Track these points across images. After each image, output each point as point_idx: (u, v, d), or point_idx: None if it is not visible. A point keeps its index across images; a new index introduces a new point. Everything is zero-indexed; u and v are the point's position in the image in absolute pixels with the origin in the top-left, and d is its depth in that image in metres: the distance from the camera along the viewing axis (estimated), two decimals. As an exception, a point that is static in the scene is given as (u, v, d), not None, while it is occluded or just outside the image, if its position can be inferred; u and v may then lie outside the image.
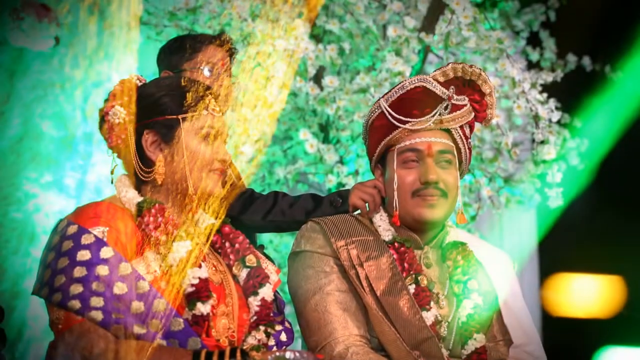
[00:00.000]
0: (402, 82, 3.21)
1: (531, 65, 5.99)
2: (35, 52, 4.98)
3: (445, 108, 3.15)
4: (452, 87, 3.17)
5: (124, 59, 5.23)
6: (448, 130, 3.19)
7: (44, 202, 4.89)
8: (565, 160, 5.77)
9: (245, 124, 4.58)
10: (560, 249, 6.60)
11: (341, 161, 4.88)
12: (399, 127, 3.16)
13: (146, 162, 2.81)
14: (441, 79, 3.21)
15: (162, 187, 2.80)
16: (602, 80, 6.01)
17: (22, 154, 4.97)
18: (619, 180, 6.33)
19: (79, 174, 5.00)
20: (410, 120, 3.15)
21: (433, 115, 3.15)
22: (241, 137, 4.61)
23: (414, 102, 3.16)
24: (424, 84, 3.17)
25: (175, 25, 4.78)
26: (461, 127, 3.21)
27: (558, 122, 5.70)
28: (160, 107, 2.81)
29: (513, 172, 5.29)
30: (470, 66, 3.21)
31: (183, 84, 2.89)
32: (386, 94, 3.23)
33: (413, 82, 3.18)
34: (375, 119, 3.23)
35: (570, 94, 6.02)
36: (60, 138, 4.98)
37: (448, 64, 3.21)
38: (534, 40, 6.02)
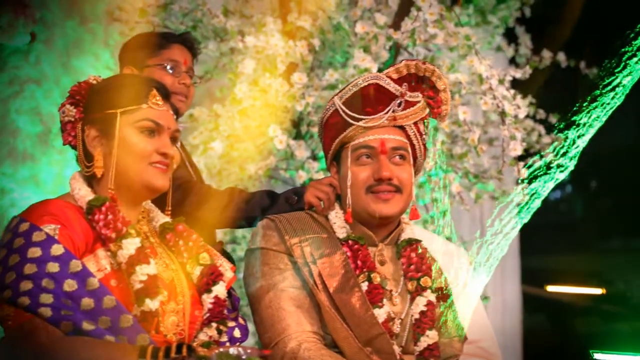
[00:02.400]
0: (356, 79, 3.23)
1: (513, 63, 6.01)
2: (11, 48, 4.99)
3: (399, 105, 3.17)
4: (405, 84, 3.19)
5: (100, 55, 5.26)
6: (402, 127, 3.21)
7: (20, 198, 4.90)
8: (541, 156, 5.80)
9: (216, 120, 4.62)
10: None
11: (313, 157, 4.89)
12: (353, 124, 3.18)
13: (89, 157, 2.84)
14: (395, 76, 3.23)
15: (106, 181, 2.81)
16: (577, 77, 6.04)
17: (-2, 150, 4.99)
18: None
19: (55, 169, 5.01)
20: (363, 117, 3.17)
21: (386, 112, 3.17)
22: (212, 133, 4.65)
23: (367, 100, 3.18)
24: (377, 81, 3.20)
25: (147, 22, 4.79)
26: (415, 123, 3.22)
27: (533, 118, 5.75)
28: (100, 103, 2.84)
29: (488, 167, 5.30)
30: (424, 63, 3.23)
31: (125, 79, 2.93)
32: (340, 91, 3.25)
33: (366, 79, 3.21)
34: (329, 116, 3.26)
35: (546, 90, 6.06)
36: (36, 133, 4.99)
37: (402, 61, 3.23)
38: (509, 36, 6.04)
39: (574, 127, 5.17)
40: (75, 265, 2.60)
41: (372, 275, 3.12)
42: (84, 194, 2.82)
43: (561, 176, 5.10)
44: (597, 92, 5.16)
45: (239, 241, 5.21)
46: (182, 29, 4.83)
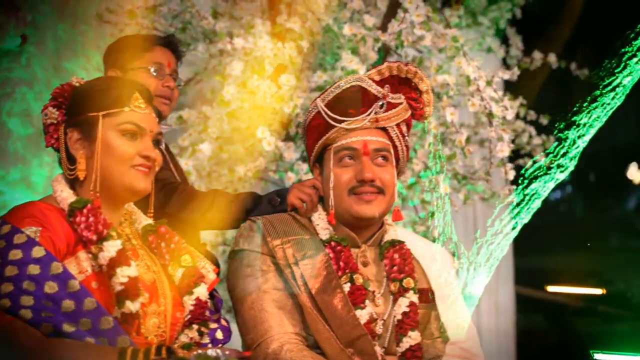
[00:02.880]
0: (338, 81, 3.24)
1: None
2: (3, 50, 5.00)
3: (381, 107, 3.18)
4: (388, 85, 3.20)
5: (91, 57, 5.27)
6: (384, 129, 3.22)
7: (10, 199, 4.91)
8: (532, 157, 5.82)
9: (205, 122, 4.62)
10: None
11: (302, 158, 4.90)
12: (335, 126, 3.19)
13: (71, 160, 2.85)
14: (377, 78, 3.24)
15: (89, 184, 2.82)
16: (568, 78, 6.05)
17: (-12, 152, 5.00)
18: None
19: (46, 171, 5.02)
20: (346, 119, 3.18)
21: (368, 114, 3.18)
22: (200, 135, 4.66)
23: (349, 101, 3.19)
24: (360, 83, 3.21)
25: (136, 24, 4.79)
26: (398, 125, 3.23)
27: (524, 119, 5.76)
28: (82, 106, 2.85)
29: (478, 168, 5.31)
30: (406, 64, 3.24)
31: (108, 82, 2.94)
32: (322, 93, 3.26)
33: (349, 81, 3.22)
34: (312, 118, 3.27)
35: (537, 91, 6.07)
36: (27, 135, 5.00)
37: (384, 63, 3.25)
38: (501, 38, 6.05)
39: (574, 127, 5.19)
40: (56, 267, 2.61)
41: (354, 277, 3.13)
42: (66, 196, 2.83)
43: (561, 176, 5.12)
44: (597, 92, 5.17)
45: (229, 243, 5.21)
46: (171, 30, 4.84)
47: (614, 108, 5.51)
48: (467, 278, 5.70)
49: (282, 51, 4.68)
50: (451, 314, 3.28)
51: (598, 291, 7.93)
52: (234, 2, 5.06)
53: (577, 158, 5.39)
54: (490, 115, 4.35)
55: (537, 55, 5.97)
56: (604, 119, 5.51)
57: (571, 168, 5.26)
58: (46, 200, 2.86)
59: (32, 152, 5.02)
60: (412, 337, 3.15)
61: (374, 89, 3.20)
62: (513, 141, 5.75)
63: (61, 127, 2.88)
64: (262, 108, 4.80)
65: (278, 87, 4.66)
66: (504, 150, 4.38)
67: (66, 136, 2.87)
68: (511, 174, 4.51)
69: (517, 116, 5.78)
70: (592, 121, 5.29)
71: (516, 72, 5.15)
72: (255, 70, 4.63)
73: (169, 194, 3.44)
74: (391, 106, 3.20)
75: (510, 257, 7.11)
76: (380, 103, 3.18)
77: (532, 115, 5.89)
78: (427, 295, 3.28)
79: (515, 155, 5.90)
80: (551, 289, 8.05)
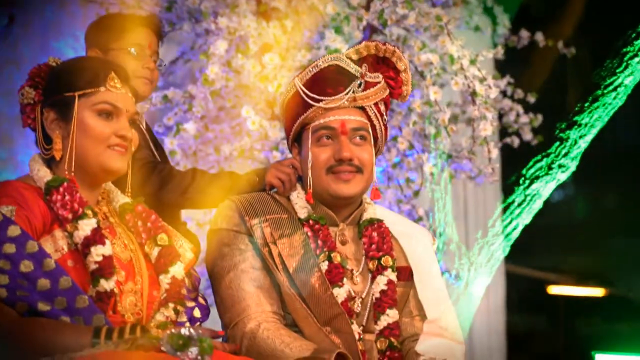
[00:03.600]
0: (316, 61, 3.24)
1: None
2: (-11, 30, 5.00)
3: (359, 86, 3.18)
4: (365, 64, 3.20)
5: (79, 37, 5.25)
6: (362, 108, 3.22)
7: (-3, 179, 4.92)
8: (519, 135, 5.83)
9: (190, 101, 4.63)
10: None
11: (286, 137, 4.90)
12: (313, 105, 3.19)
13: (48, 140, 2.85)
14: (355, 57, 3.24)
15: (65, 163, 2.83)
16: (555, 56, 6.05)
17: (-25, 132, 5.00)
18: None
19: (33, 151, 5.02)
20: (324, 98, 3.18)
21: (346, 93, 3.18)
22: (185, 115, 4.66)
23: (327, 81, 3.19)
24: (337, 62, 3.21)
25: (121, 3, 4.79)
26: (376, 104, 3.23)
27: (511, 97, 5.76)
28: (58, 86, 2.86)
29: (465, 147, 5.31)
30: (384, 43, 3.24)
31: (84, 62, 2.95)
32: (300, 72, 3.26)
33: (326, 60, 3.22)
34: (290, 97, 3.27)
35: (524, 69, 6.07)
36: (14, 116, 4.99)
37: (361, 42, 3.25)
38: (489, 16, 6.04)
39: (576, 127, 5.20)
40: (32, 246, 2.61)
41: (332, 255, 3.13)
42: (43, 174, 2.84)
43: (563, 177, 5.14)
44: (599, 92, 5.18)
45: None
46: (156, 10, 4.83)
47: (616, 108, 5.53)
48: (468, 278, 5.74)
49: (267, 30, 4.67)
50: (429, 292, 3.29)
51: (597, 292, 7.94)
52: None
53: (578, 158, 5.42)
54: (473, 94, 4.35)
55: (524, 33, 5.96)
56: (606, 119, 5.54)
57: (572, 168, 5.29)
58: (23, 179, 2.87)
59: (18, 132, 5.01)
60: (390, 315, 3.16)
61: (351, 68, 3.20)
62: (500, 119, 5.76)
63: (38, 107, 2.89)
64: (246, 87, 4.80)
65: (262, 66, 4.66)
66: (486, 129, 4.38)
67: (42, 116, 2.88)
68: (494, 153, 4.52)
69: (505, 94, 5.77)
70: (593, 121, 5.31)
71: (500, 50, 5.15)
72: (240, 49, 4.63)
73: (148, 173, 3.44)
74: (369, 85, 3.20)
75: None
76: (359, 82, 3.18)
77: (519, 93, 5.88)
78: (405, 274, 3.28)
79: (503, 134, 5.91)
80: (554, 289, 8.04)
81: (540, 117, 5.80)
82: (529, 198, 5.25)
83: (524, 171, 5.02)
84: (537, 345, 8.38)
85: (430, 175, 4.84)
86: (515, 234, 6.56)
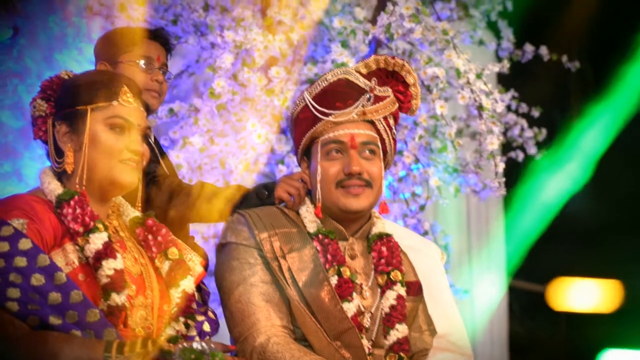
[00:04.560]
0: (325, 74, 3.25)
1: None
2: (-6, 41, 4.99)
3: (368, 99, 3.19)
4: (375, 78, 3.21)
5: (84, 49, 5.26)
6: (372, 122, 3.22)
7: (2, 192, 4.90)
8: (523, 149, 5.84)
9: (196, 114, 4.63)
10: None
11: (293, 151, 4.90)
12: (322, 119, 3.19)
13: (60, 153, 2.85)
14: (364, 71, 3.25)
15: (76, 177, 2.83)
16: (560, 71, 6.06)
17: (-20, 145, 4.99)
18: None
19: (38, 164, 5.02)
20: (333, 112, 3.18)
21: (356, 107, 3.18)
22: (191, 128, 4.66)
23: (336, 94, 3.20)
24: (347, 76, 3.22)
25: (127, 16, 4.79)
26: (385, 118, 3.24)
27: (515, 111, 5.76)
28: (71, 99, 2.86)
29: (470, 161, 5.31)
30: (393, 57, 3.25)
31: (97, 75, 2.95)
32: (310, 86, 3.27)
33: (336, 74, 3.23)
34: (299, 111, 3.27)
35: (529, 84, 6.07)
36: (19, 129, 4.99)
37: (371, 56, 3.25)
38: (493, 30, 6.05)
39: (584, 131, 5.24)
40: (43, 259, 2.62)
41: (341, 269, 3.13)
42: (54, 188, 2.84)
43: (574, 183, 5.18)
44: (609, 96, 5.21)
45: (221, 235, 5.22)
46: (162, 23, 4.84)
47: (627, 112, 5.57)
48: (471, 289, 5.73)
49: (273, 44, 4.67)
50: (439, 307, 3.29)
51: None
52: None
53: (591, 163, 5.45)
54: (480, 108, 4.36)
55: (529, 47, 5.97)
56: (617, 123, 5.57)
57: (585, 173, 5.32)
58: (33, 193, 2.87)
59: (23, 144, 5.01)
60: (400, 330, 3.16)
61: (361, 81, 3.21)
62: (505, 134, 5.76)
63: (49, 119, 2.89)
64: (252, 101, 4.81)
65: (268, 79, 4.66)
66: (493, 143, 4.38)
67: (54, 129, 2.87)
68: (501, 167, 4.53)
69: (509, 109, 5.78)
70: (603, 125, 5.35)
71: (506, 64, 5.16)
72: (246, 63, 4.63)
73: (157, 187, 3.45)
74: (378, 99, 3.21)
75: (502, 259, 7.09)
76: (368, 96, 3.19)
77: (523, 108, 5.89)
78: (415, 288, 3.28)
79: (507, 148, 5.91)
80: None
81: (544, 131, 5.80)
82: (532, 211, 5.27)
83: (526, 184, 5.03)
84: (539, 356, 8.34)
85: (437, 189, 4.84)
86: (518, 246, 6.58)
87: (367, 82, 3.20)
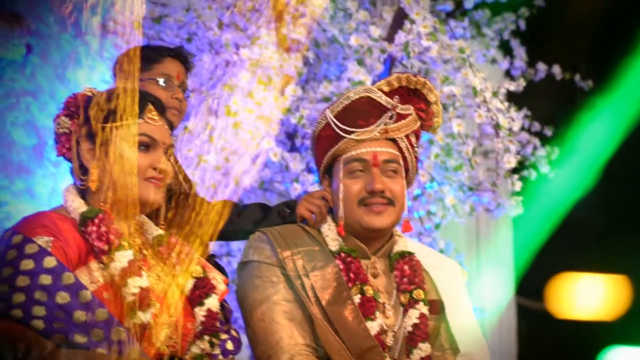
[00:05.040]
0: (347, 92, 3.25)
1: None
2: (7, 60, 4.99)
3: (391, 117, 3.19)
4: (397, 96, 3.21)
5: (96, 68, 5.26)
6: (394, 140, 3.22)
7: (15, 210, 4.90)
8: (536, 168, 5.84)
9: (210, 132, 4.63)
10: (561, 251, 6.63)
11: (307, 169, 4.91)
12: (345, 137, 3.20)
13: (84, 170, 2.84)
14: (386, 89, 3.25)
15: (100, 194, 2.82)
16: (572, 89, 6.06)
17: (-7, 162, 4.99)
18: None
19: (50, 181, 5.01)
20: (355, 130, 3.19)
21: (378, 125, 3.18)
22: (206, 146, 4.66)
23: (359, 112, 3.20)
24: (369, 94, 3.22)
25: (142, 35, 4.80)
26: (407, 136, 3.24)
27: (528, 130, 5.77)
28: (95, 116, 2.85)
29: (483, 180, 5.32)
30: (415, 75, 3.26)
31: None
32: (332, 104, 3.27)
33: (358, 92, 3.23)
34: (321, 129, 3.27)
35: (541, 102, 6.07)
36: (31, 146, 4.99)
37: (393, 74, 3.26)
38: (504, 49, 6.06)
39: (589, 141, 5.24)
40: (68, 277, 2.61)
41: (364, 288, 3.13)
42: (77, 206, 2.83)
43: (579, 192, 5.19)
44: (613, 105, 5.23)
45: (234, 254, 5.22)
46: (176, 41, 4.85)
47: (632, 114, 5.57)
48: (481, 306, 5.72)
49: (288, 62, 4.69)
50: (461, 326, 3.28)
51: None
52: (240, 13, 5.07)
53: (596, 172, 5.45)
54: (497, 126, 4.36)
55: (541, 66, 5.98)
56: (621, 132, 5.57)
57: (589, 182, 5.32)
58: (57, 210, 2.86)
59: (36, 162, 5.01)
60: (423, 349, 3.15)
61: (383, 100, 3.21)
62: (517, 152, 5.76)
63: (73, 136, 2.88)
64: (268, 119, 4.81)
65: (284, 97, 4.67)
66: (511, 161, 4.39)
67: (78, 146, 2.86)
68: (518, 185, 4.53)
69: (522, 127, 5.79)
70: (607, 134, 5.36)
71: (522, 83, 5.18)
72: (262, 81, 4.64)
73: (178, 204, 3.44)
74: (400, 117, 3.21)
75: (510, 267, 7.09)
76: (390, 114, 3.19)
77: (536, 126, 5.89)
78: (437, 307, 3.27)
79: (520, 167, 5.91)
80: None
81: (557, 150, 5.80)
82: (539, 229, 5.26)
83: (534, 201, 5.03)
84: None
85: (452, 207, 4.84)
86: (527, 264, 6.58)
87: (389, 100, 3.21)
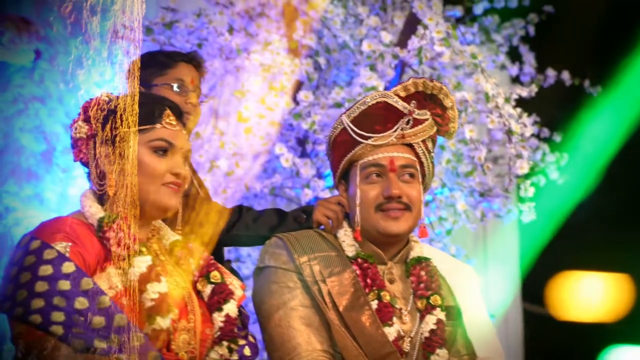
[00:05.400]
0: (364, 97, 3.25)
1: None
2: (16, 65, 4.99)
3: (407, 123, 3.19)
4: (414, 101, 3.21)
5: (105, 73, 5.25)
6: (410, 145, 3.22)
7: (24, 216, 4.89)
8: (545, 174, 5.83)
9: (221, 137, 4.63)
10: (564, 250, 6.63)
11: (318, 175, 4.90)
12: (362, 142, 3.19)
13: (102, 175, 2.84)
14: (402, 94, 3.25)
15: (118, 200, 2.82)
16: (582, 95, 6.06)
17: (2, 168, 4.97)
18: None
19: (59, 187, 5.01)
20: (372, 135, 3.18)
21: (395, 130, 3.18)
22: (217, 151, 4.66)
23: (375, 118, 3.20)
24: (385, 99, 3.22)
25: (153, 40, 4.80)
26: (423, 141, 3.24)
27: (537, 136, 5.76)
28: (113, 121, 2.84)
29: (493, 186, 5.31)
30: (431, 80, 3.25)
31: (140, 98, 2.94)
32: (348, 109, 3.27)
33: (374, 97, 3.23)
34: (337, 134, 3.27)
35: (550, 108, 6.07)
36: (40, 152, 4.99)
37: (409, 79, 3.26)
38: (513, 55, 6.05)
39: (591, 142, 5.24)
40: (87, 283, 2.61)
41: (381, 294, 3.13)
42: (95, 211, 2.82)
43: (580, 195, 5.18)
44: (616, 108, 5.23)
45: (244, 259, 5.21)
46: (187, 47, 4.85)
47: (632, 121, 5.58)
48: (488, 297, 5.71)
49: (300, 67, 4.69)
50: (478, 331, 3.27)
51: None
52: (250, 19, 5.07)
53: (597, 174, 5.45)
54: (509, 132, 4.36)
55: (551, 72, 5.97)
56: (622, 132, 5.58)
57: (590, 184, 5.32)
58: (75, 216, 2.85)
59: (45, 168, 5.00)
60: (440, 355, 3.14)
61: (400, 105, 3.21)
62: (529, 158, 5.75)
63: (90, 141, 2.87)
64: (279, 124, 4.81)
65: (295, 103, 4.67)
66: (523, 167, 4.39)
67: (95, 151, 2.86)
68: (530, 191, 4.52)
69: (532, 133, 5.77)
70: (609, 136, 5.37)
71: (533, 89, 5.17)
72: (273, 86, 4.64)
73: (193, 209, 3.43)
74: (417, 122, 3.21)
75: (516, 272, 7.09)
76: (407, 119, 3.19)
77: (545, 132, 5.88)
78: (453, 313, 3.27)
79: (530, 173, 5.90)
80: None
81: (566, 156, 5.78)
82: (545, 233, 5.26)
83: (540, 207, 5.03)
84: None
85: (464, 213, 4.83)
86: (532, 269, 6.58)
87: (406, 105, 3.20)
